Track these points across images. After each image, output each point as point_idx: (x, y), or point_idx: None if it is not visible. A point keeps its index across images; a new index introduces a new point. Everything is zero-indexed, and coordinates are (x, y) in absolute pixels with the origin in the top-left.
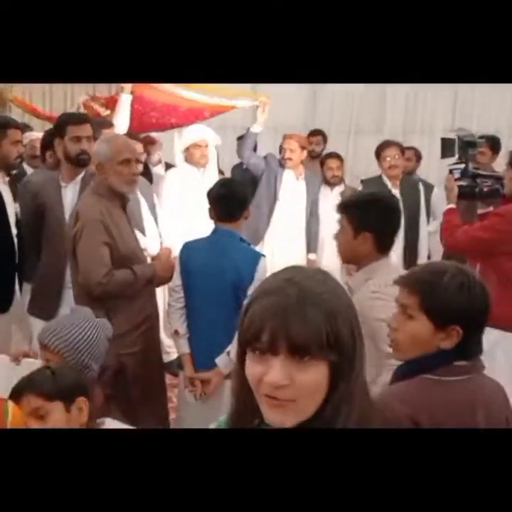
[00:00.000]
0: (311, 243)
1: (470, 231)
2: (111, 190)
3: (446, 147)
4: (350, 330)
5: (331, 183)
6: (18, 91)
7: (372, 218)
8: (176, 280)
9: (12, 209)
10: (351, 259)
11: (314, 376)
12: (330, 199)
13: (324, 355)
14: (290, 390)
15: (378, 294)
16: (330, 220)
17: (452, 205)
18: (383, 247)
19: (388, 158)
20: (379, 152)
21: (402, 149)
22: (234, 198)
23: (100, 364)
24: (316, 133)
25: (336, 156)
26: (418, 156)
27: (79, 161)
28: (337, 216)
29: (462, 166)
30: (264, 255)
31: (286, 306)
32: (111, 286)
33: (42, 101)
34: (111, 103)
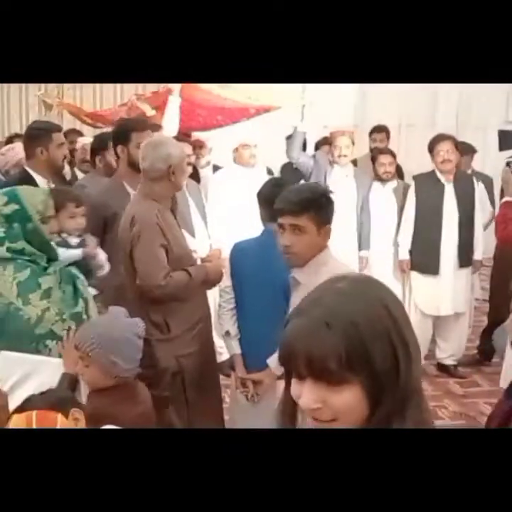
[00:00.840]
0: (363, 241)
1: None
2: (165, 194)
3: (504, 140)
4: (388, 343)
5: (383, 179)
6: (69, 95)
7: (330, 210)
8: (227, 281)
9: None
10: (311, 257)
11: (348, 397)
12: (382, 195)
13: (353, 376)
14: (326, 411)
15: None
16: (382, 217)
17: (509, 198)
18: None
19: (441, 153)
20: (432, 146)
21: (456, 143)
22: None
23: (141, 364)
24: (379, 129)
25: (388, 151)
26: (472, 152)
27: None
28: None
29: None
30: None
31: (308, 330)
32: (170, 287)
33: (93, 103)
34: (155, 101)
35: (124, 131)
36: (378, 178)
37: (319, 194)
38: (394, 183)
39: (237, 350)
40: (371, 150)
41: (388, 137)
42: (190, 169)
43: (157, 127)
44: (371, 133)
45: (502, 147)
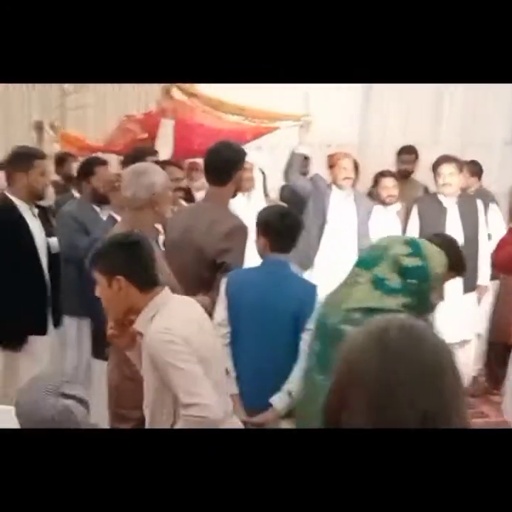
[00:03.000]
0: None
1: None
2: (148, 223)
3: None
4: (437, 389)
5: (386, 203)
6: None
7: (118, 259)
8: (222, 313)
9: (42, 241)
10: (120, 312)
11: None
12: (385, 219)
13: None
14: None
15: (169, 335)
16: None
17: None
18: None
19: (443, 175)
20: (435, 167)
21: (460, 165)
22: (291, 229)
23: None
24: (410, 150)
25: (390, 174)
26: (479, 172)
27: None
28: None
29: None
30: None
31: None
32: None
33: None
34: (146, 124)
35: (137, 157)
36: (381, 201)
37: (108, 244)
38: (397, 206)
39: (235, 390)
40: (400, 171)
41: (417, 158)
42: (181, 194)
43: (152, 151)
44: (400, 153)
45: None
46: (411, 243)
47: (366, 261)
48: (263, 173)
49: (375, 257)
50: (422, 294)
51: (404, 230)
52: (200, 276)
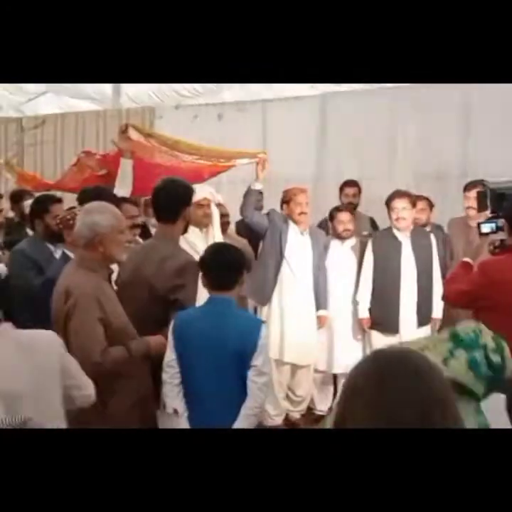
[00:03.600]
0: (321, 299)
1: (460, 284)
2: (98, 263)
3: (481, 200)
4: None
5: (342, 237)
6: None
7: None
8: (171, 354)
9: None
10: None
11: None
12: (341, 253)
13: None
14: None
15: None
16: (339, 275)
17: (468, 259)
18: None
19: (397, 210)
20: (388, 202)
21: (413, 200)
22: (229, 266)
23: None
24: (352, 183)
25: (346, 209)
26: (431, 206)
27: None
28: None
29: (493, 221)
30: (264, 321)
31: None
32: (107, 364)
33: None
34: (104, 162)
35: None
36: (337, 235)
37: None
38: (352, 241)
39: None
40: (344, 205)
41: (360, 192)
42: (136, 231)
43: (110, 189)
44: (342, 187)
45: (480, 208)
46: (496, 340)
47: (465, 341)
48: (221, 208)
49: (473, 341)
50: (500, 382)
51: (359, 264)
52: (153, 314)
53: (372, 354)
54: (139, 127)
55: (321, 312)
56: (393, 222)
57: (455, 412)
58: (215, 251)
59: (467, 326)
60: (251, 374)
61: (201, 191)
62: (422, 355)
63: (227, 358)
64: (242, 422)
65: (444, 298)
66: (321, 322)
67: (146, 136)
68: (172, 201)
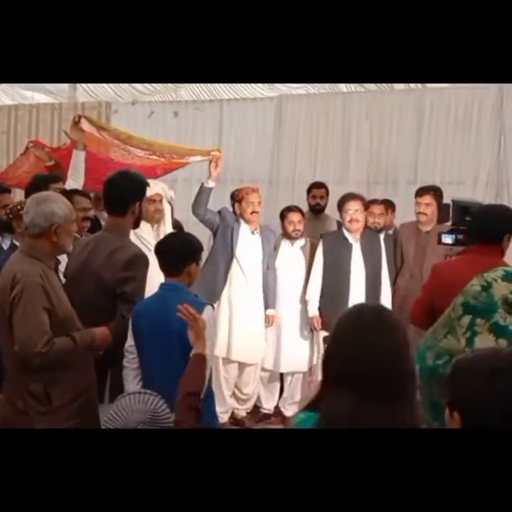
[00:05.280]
0: (269, 298)
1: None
2: (47, 253)
3: (457, 211)
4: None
5: (292, 237)
6: None
7: None
8: (130, 340)
9: None
10: None
11: None
12: (290, 254)
13: None
14: None
15: None
16: (289, 275)
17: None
18: None
19: (350, 212)
20: (341, 205)
21: (365, 203)
22: (173, 251)
23: None
24: (319, 185)
25: (297, 209)
26: (388, 210)
27: None
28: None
29: (454, 233)
30: (210, 304)
31: None
32: (51, 355)
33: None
34: (55, 153)
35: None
36: (287, 236)
37: None
38: (302, 241)
39: None
40: (312, 207)
41: (328, 193)
42: (87, 224)
43: (55, 178)
44: (310, 189)
45: (441, 219)
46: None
47: (478, 307)
48: (171, 204)
49: (491, 304)
50: None
51: (308, 265)
52: (101, 306)
53: (353, 307)
54: (92, 119)
55: (269, 311)
56: (346, 223)
57: (413, 364)
58: (165, 238)
59: (473, 286)
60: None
61: (154, 187)
62: (392, 312)
63: (171, 340)
64: None
65: (410, 320)
66: (269, 321)
67: (98, 129)
68: (123, 194)
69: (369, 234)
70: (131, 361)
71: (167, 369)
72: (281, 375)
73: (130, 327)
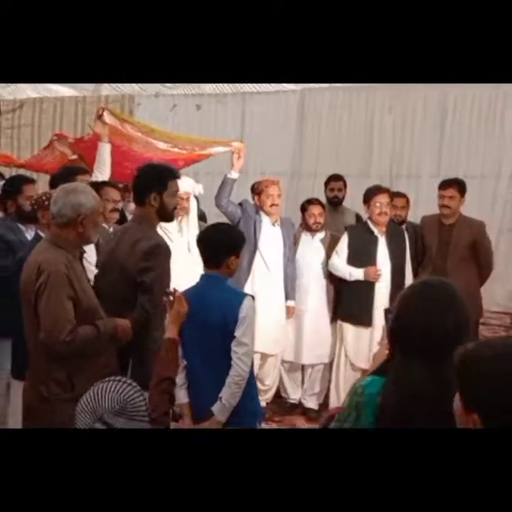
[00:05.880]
0: (289, 290)
1: None
2: (72, 242)
3: None
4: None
5: (312, 230)
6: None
7: None
8: None
9: None
10: None
11: None
12: (311, 246)
13: None
14: None
15: None
16: (309, 267)
17: None
18: None
19: (378, 205)
20: (368, 198)
21: (391, 196)
22: (214, 243)
23: None
24: (337, 178)
25: (317, 202)
26: (408, 203)
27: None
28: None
29: None
30: (251, 295)
31: None
32: (75, 343)
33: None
34: (78, 145)
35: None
36: (308, 228)
37: None
38: (322, 234)
39: (185, 400)
40: (330, 200)
41: (345, 186)
42: (116, 215)
43: (82, 170)
44: (327, 182)
45: None
46: None
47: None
48: (197, 199)
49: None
50: None
51: (328, 257)
52: (125, 296)
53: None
54: (115, 112)
55: (290, 303)
56: (375, 216)
57: (470, 325)
58: (207, 229)
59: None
60: (232, 345)
61: (182, 184)
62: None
63: (209, 331)
64: (225, 390)
65: None
66: (289, 312)
67: (121, 122)
68: (140, 184)
69: (394, 227)
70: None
71: (207, 359)
72: (302, 366)
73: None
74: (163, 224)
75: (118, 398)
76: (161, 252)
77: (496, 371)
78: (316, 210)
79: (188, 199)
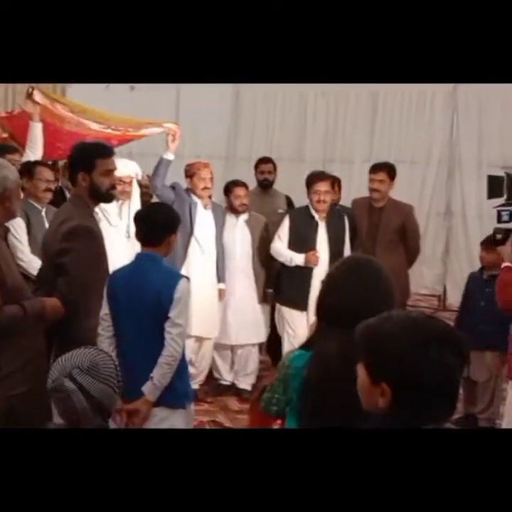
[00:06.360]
0: (220, 273)
1: None
2: None
3: (494, 186)
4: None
5: (238, 212)
6: None
7: None
8: (105, 308)
9: None
10: None
11: None
12: (235, 227)
13: None
14: None
15: None
16: (235, 249)
17: (509, 264)
18: None
19: (319, 192)
20: (308, 184)
21: (333, 182)
22: (155, 221)
23: None
24: (266, 160)
25: (242, 184)
26: (340, 186)
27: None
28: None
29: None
30: (186, 277)
31: None
32: (0, 322)
33: None
34: (8, 122)
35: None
36: (233, 210)
37: None
38: (246, 215)
39: None
40: (260, 182)
41: (275, 169)
42: (49, 195)
43: (11, 149)
44: (257, 165)
45: (491, 195)
46: None
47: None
48: (140, 183)
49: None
50: None
51: (253, 239)
52: (48, 277)
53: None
54: (45, 91)
55: (221, 285)
56: (314, 203)
57: (394, 302)
58: (146, 208)
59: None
60: (166, 325)
61: (125, 168)
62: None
63: (145, 312)
64: (157, 370)
65: (503, 306)
66: (221, 295)
67: (52, 101)
68: (70, 162)
69: (334, 212)
70: (106, 329)
71: (140, 338)
72: (232, 347)
73: (105, 295)
74: (103, 206)
75: (90, 359)
76: (82, 234)
77: (401, 338)
78: (241, 191)
79: (130, 183)
